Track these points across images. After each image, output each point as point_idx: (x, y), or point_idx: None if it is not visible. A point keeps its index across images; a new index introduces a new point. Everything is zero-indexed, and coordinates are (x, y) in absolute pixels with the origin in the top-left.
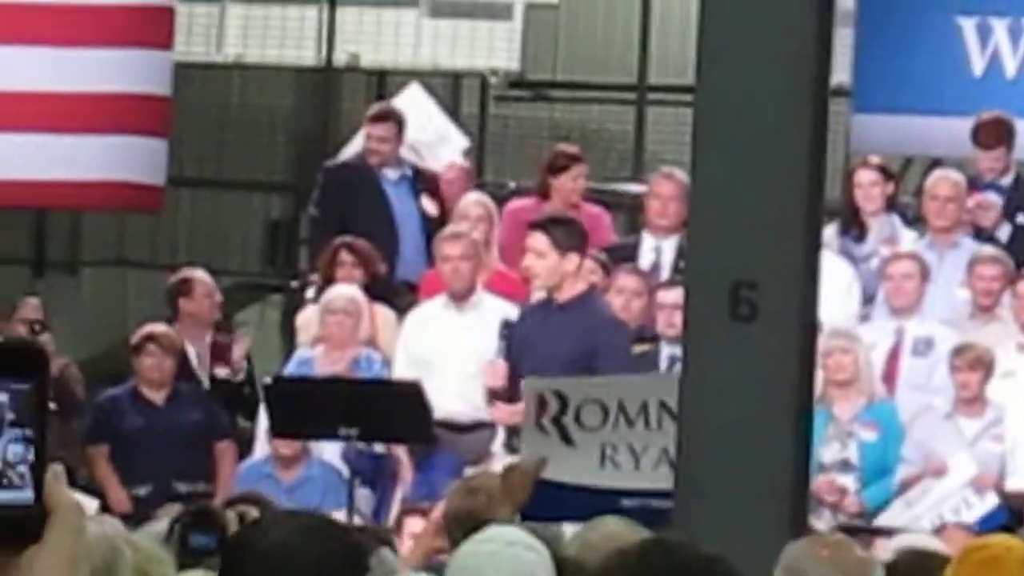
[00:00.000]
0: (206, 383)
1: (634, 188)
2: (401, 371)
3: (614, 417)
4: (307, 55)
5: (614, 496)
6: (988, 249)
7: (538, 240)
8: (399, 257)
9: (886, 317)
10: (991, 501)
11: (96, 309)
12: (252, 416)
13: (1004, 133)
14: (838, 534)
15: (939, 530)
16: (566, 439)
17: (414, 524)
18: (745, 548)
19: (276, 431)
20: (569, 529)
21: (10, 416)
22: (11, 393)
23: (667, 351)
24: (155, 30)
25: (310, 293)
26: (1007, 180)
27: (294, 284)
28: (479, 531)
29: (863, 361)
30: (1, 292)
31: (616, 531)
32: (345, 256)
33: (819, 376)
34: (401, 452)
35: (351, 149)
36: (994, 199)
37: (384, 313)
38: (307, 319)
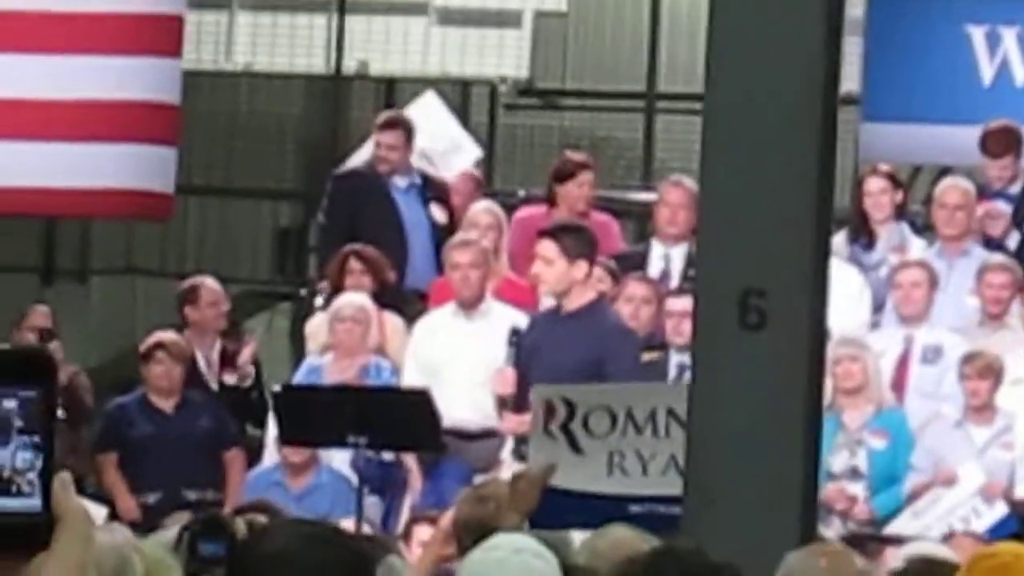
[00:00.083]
0: (215, 389)
1: (643, 196)
2: (410, 379)
3: (622, 424)
4: (316, 63)
5: (622, 502)
6: (997, 257)
7: (547, 247)
8: (408, 265)
9: (895, 325)
10: (1000, 510)
11: (105, 317)
12: (261, 423)
13: (1012, 141)
14: (837, 543)
15: (948, 538)
16: (574, 446)
17: (423, 532)
18: (754, 556)
19: (285, 439)
20: (578, 536)
21: (19, 423)
22: (19, 400)
23: (676, 359)
24: (164, 38)
25: (319, 301)
26: (1016, 188)
27: (303, 292)
28: (488, 539)
29: (872, 369)
30: (10, 300)
31: (624, 539)
32: (354, 264)
33: (828, 384)
34: (410, 460)
35: (359, 157)
36: (1003, 208)
37: (393, 321)
38: (316, 327)
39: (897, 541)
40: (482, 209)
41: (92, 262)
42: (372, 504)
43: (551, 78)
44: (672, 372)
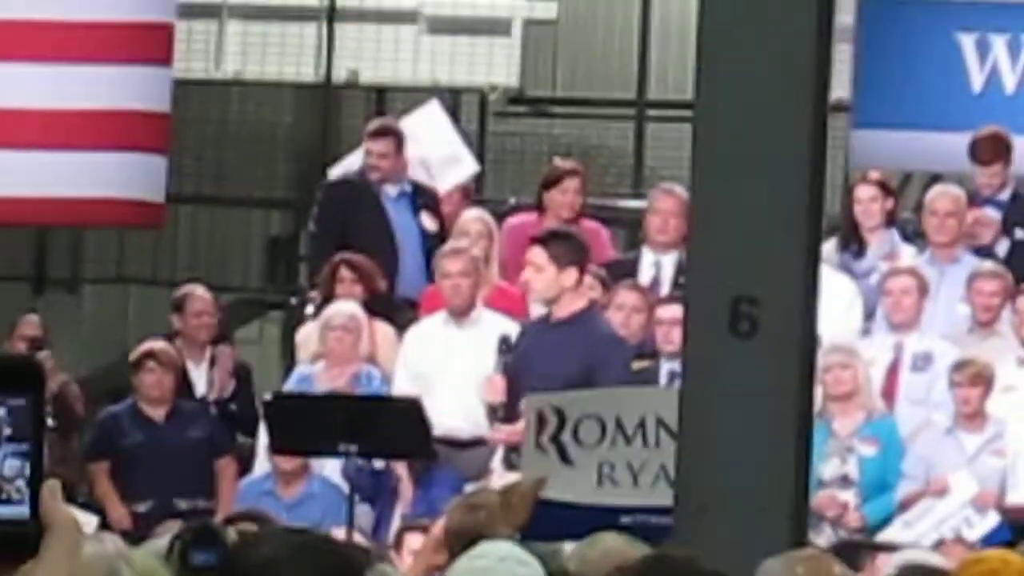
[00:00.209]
0: (204, 395)
1: (634, 204)
2: (401, 387)
3: (612, 434)
4: (306, 71)
5: (613, 513)
6: (988, 264)
7: (536, 254)
8: (399, 273)
9: (885, 332)
10: (993, 520)
11: (96, 326)
12: (246, 433)
13: (1001, 148)
14: (813, 550)
15: (939, 545)
16: (564, 458)
17: (414, 540)
18: (745, 564)
19: (276, 448)
20: (569, 548)
21: (7, 431)
22: (8, 408)
23: (667, 367)
24: (154, 47)
25: (310, 309)
26: (1005, 195)
27: (294, 300)
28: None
29: (862, 376)
30: (1, 309)
31: (615, 547)
32: (345, 272)
33: (818, 391)
34: (401, 468)
35: (348, 165)
36: (992, 215)
37: (384, 329)
38: (307, 335)
39: (889, 548)
40: (473, 217)
41: (83, 271)
42: (363, 513)
43: (541, 86)
44: (663, 380)
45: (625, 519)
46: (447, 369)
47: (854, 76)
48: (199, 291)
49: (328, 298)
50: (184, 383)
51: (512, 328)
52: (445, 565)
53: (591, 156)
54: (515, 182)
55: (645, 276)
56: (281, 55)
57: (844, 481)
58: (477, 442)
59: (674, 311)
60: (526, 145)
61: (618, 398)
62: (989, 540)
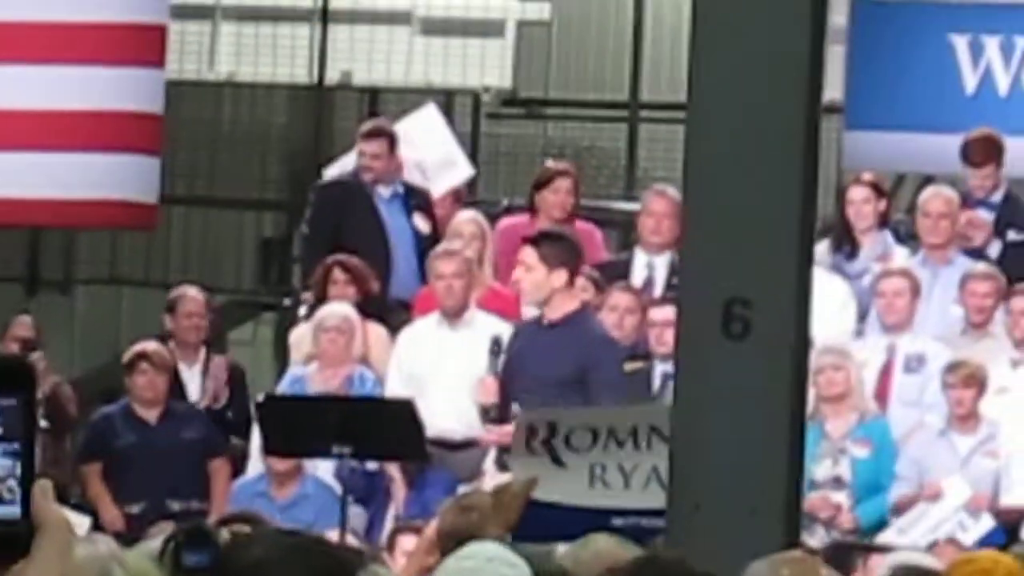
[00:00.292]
0: (198, 398)
1: (627, 205)
2: (394, 389)
3: (604, 440)
4: (299, 73)
5: (604, 515)
6: (981, 266)
7: (527, 254)
8: (392, 275)
9: (878, 334)
10: (987, 524)
11: (89, 327)
12: (245, 435)
13: (993, 150)
14: (799, 553)
15: (932, 547)
16: (556, 460)
17: (407, 542)
18: (738, 565)
19: (269, 449)
20: (561, 550)
21: None
22: None
23: (660, 368)
24: (147, 48)
25: (303, 311)
26: (997, 197)
27: (287, 302)
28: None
29: (855, 378)
30: None
31: (607, 548)
32: (338, 274)
33: (811, 393)
34: (394, 470)
35: (341, 166)
36: (984, 217)
37: (377, 331)
38: (300, 337)
39: (882, 550)
40: (466, 219)
41: (76, 272)
42: (356, 514)
43: (534, 87)
44: (657, 381)
45: (617, 521)
46: (440, 370)
47: (847, 77)
48: (191, 292)
49: (321, 299)
50: (176, 384)
51: (505, 329)
52: (438, 566)
53: (584, 157)
54: (508, 183)
55: (638, 277)
56: (274, 56)
57: (837, 483)
58: (470, 443)
59: (667, 313)
60: (519, 146)
61: (611, 414)
62: (983, 544)
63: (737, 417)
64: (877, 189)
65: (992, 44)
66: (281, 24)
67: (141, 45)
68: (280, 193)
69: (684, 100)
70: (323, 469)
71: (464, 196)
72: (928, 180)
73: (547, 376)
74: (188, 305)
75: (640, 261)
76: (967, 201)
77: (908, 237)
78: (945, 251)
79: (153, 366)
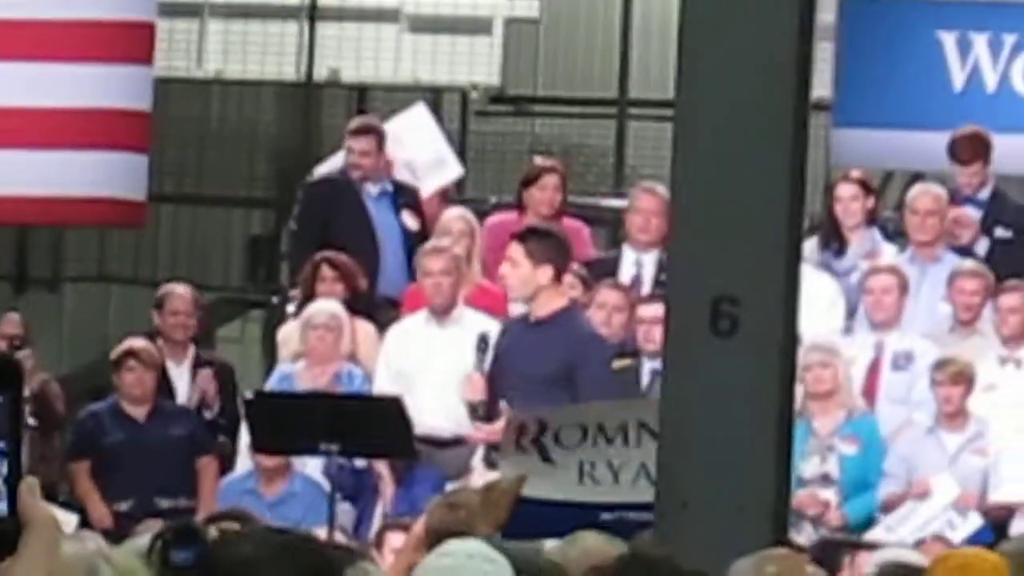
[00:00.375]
0: (186, 398)
1: (615, 203)
2: (382, 386)
3: (592, 437)
4: (287, 70)
5: (593, 510)
6: (968, 263)
7: (514, 250)
8: (380, 272)
9: (866, 331)
10: (975, 522)
11: (77, 325)
12: (234, 432)
13: (980, 148)
14: (785, 549)
15: (920, 544)
16: (545, 457)
17: (395, 539)
18: (726, 563)
19: (257, 447)
20: (550, 546)
21: None
22: None
23: (649, 365)
24: (135, 45)
25: (291, 308)
26: (984, 194)
27: (275, 299)
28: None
29: (843, 375)
30: None
31: (595, 546)
32: (326, 271)
33: (798, 390)
34: (382, 467)
35: (331, 165)
36: (972, 214)
37: (365, 328)
38: (288, 334)
39: (870, 547)
40: (455, 216)
41: (64, 270)
42: (344, 511)
43: (522, 85)
44: (646, 379)
45: (606, 516)
46: (428, 368)
47: (835, 75)
48: (178, 290)
49: (309, 297)
50: (164, 382)
51: (493, 327)
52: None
53: (572, 155)
54: (496, 181)
55: (626, 275)
56: (262, 54)
57: (825, 480)
58: (458, 441)
59: (656, 310)
60: (507, 144)
61: (601, 410)
62: (971, 542)
63: (725, 414)
64: (865, 186)
65: (980, 41)
66: (269, 21)
67: (129, 42)
68: (268, 191)
69: (672, 98)
70: (311, 466)
71: (452, 194)
72: (916, 177)
73: (534, 373)
74: (176, 303)
75: (628, 258)
76: (955, 198)
77: (896, 234)
78: (933, 248)
79: (141, 363)
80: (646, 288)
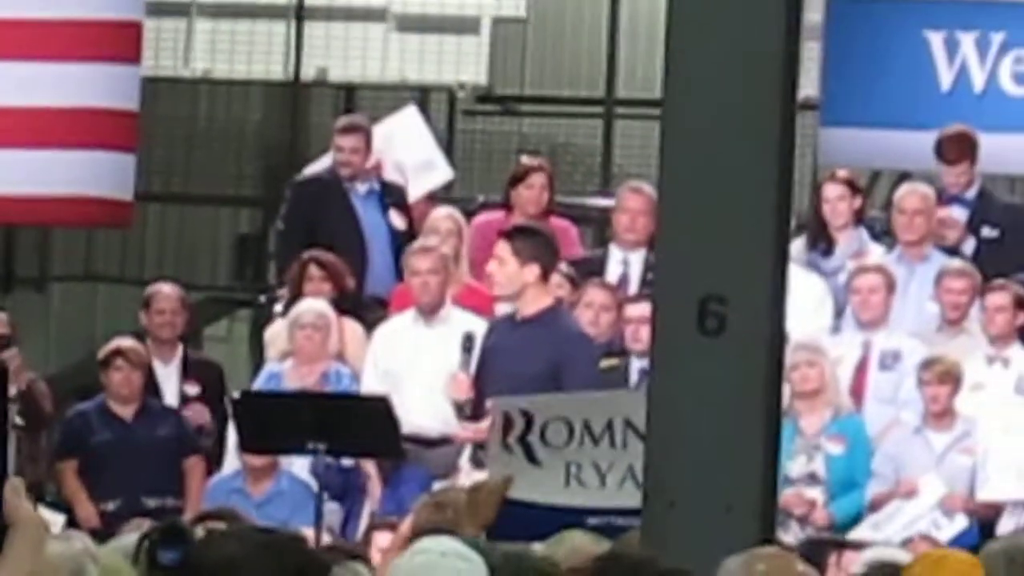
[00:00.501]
0: (174, 398)
1: (602, 202)
2: (370, 385)
3: (579, 435)
4: (275, 69)
5: (580, 514)
6: (956, 262)
7: (501, 248)
8: (368, 271)
9: (854, 330)
10: (961, 523)
11: (64, 324)
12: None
13: (967, 147)
14: (775, 548)
15: (907, 542)
16: (531, 458)
17: (383, 538)
18: (713, 563)
19: (244, 446)
20: (538, 548)
21: None
22: None
23: (636, 365)
24: (123, 45)
25: (279, 307)
26: (971, 193)
27: (262, 298)
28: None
29: (829, 374)
30: None
31: (582, 545)
32: (314, 270)
33: (785, 389)
34: (370, 466)
35: (320, 166)
36: (958, 215)
37: (353, 327)
38: (276, 333)
39: (856, 546)
40: (442, 215)
41: (51, 269)
42: (332, 511)
43: (510, 84)
44: (633, 378)
45: (592, 520)
46: (416, 367)
47: (822, 74)
48: (165, 289)
49: (297, 296)
50: (151, 382)
51: (480, 326)
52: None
53: (560, 154)
54: (483, 180)
55: (613, 274)
56: (250, 53)
57: (811, 479)
58: (446, 440)
59: (643, 309)
60: (495, 143)
61: (586, 403)
62: (957, 542)
63: (712, 414)
64: (852, 186)
65: (967, 40)
66: (257, 21)
67: (117, 42)
68: (255, 190)
69: (659, 97)
70: (299, 466)
71: (439, 193)
72: (904, 177)
73: (521, 372)
74: (163, 302)
75: (615, 257)
76: (941, 198)
77: (884, 234)
78: (921, 248)
79: (129, 363)
80: (633, 287)
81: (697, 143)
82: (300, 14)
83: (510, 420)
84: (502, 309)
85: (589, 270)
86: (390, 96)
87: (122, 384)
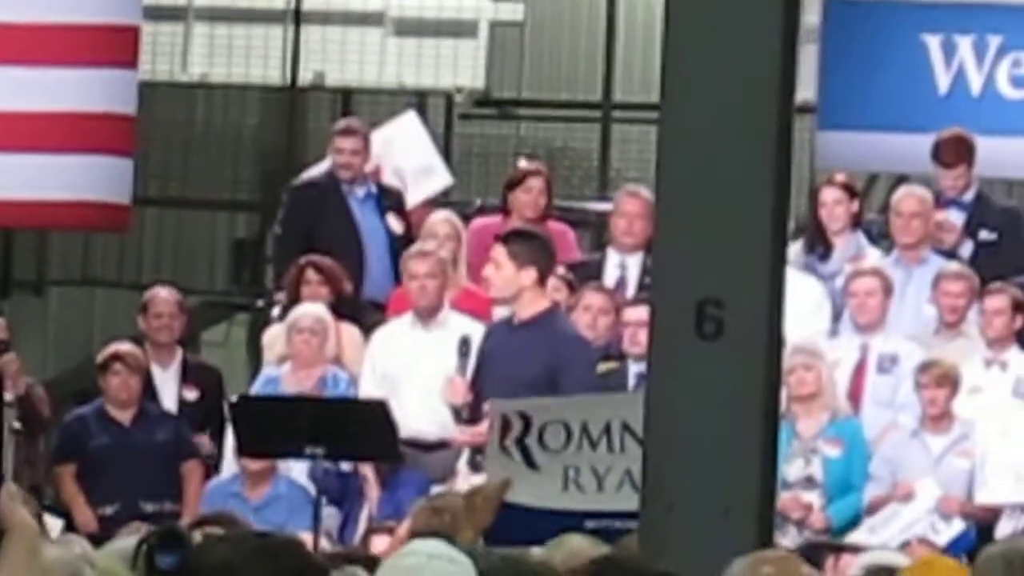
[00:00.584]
0: (173, 402)
1: (599, 206)
2: (367, 389)
3: (577, 439)
4: (272, 74)
5: (577, 518)
6: (954, 265)
7: (498, 251)
8: (366, 275)
9: (851, 334)
10: (957, 526)
11: (62, 328)
12: (220, 436)
13: (964, 150)
14: (781, 550)
15: (904, 546)
16: (529, 462)
17: (380, 542)
18: (711, 566)
19: (242, 450)
20: (536, 552)
21: None
22: None
23: (634, 368)
24: (120, 49)
25: (276, 311)
26: (969, 196)
27: (260, 303)
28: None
29: (826, 377)
30: None
31: (580, 548)
32: (311, 274)
33: (782, 393)
34: (368, 470)
35: (317, 170)
36: (955, 218)
37: (351, 331)
38: (273, 337)
39: (853, 549)
40: (440, 219)
41: (49, 273)
42: (330, 514)
43: (507, 88)
44: (631, 381)
45: (590, 524)
46: (414, 371)
47: (819, 77)
48: (162, 293)
49: (294, 300)
50: (149, 386)
51: (477, 330)
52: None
53: (557, 158)
54: (481, 184)
55: (610, 277)
56: (247, 57)
57: (808, 482)
58: (443, 444)
59: (641, 313)
60: (492, 147)
61: (584, 406)
62: (954, 545)
63: (710, 417)
64: (850, 190)
65: (965, 44)
66: (254, 25)
67: (114, 46)
68: (253, 194)
69: (657, 101)
70: (297, 470)
71: (436, 197)
72: (901, 180)
73: (518, 376)
74: (160, 306)
75: (612, 261)
76: (939, 201)
77: (881, 237)
78: (918, 251)
79: (127, 367)
80: (631, 291)
81: (695, 147)
82: (297, 18)
83: (508, 423)
84: (500, 313)
85: (587, 274)
86: (387, 100)
87: (120, 388)
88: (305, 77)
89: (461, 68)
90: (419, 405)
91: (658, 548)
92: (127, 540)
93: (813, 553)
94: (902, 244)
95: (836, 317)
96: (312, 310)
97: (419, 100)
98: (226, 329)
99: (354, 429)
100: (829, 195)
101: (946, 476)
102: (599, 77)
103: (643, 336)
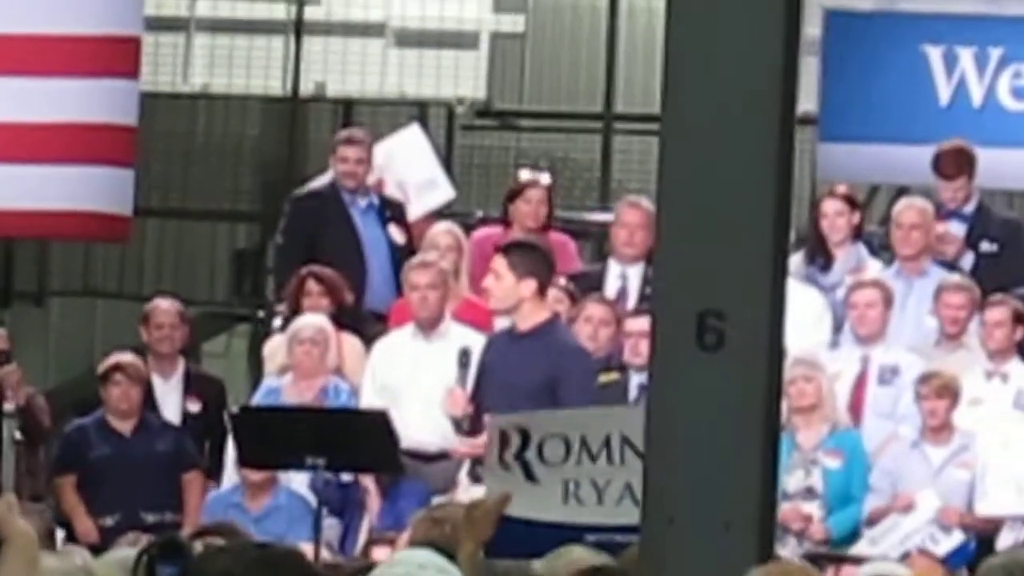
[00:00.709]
0: (176, 413)
1: (600, 217)
2: (369, 400)
3: (577, 452)
4: (273, 84)
5: (578, 531)
6: (955, 277)
7: (498, 262)
8: (367, 286)
9: (852, 345)
10: (957, 538)
11: (63, 339)
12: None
13: (965, 162)
14: (796, 562)
15: (905, 557)
16: (529, 475)
17: (381, 553)
18: None
19: (243, 461)
20: (536, 565)
21: None
22: None
23: (636, 380)
24: (121, 60)
25: (277, 322)
26: (969, 208)
27: (261, 313)
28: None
29: (826, 389)
30: None
31: (582, 558)
32: (312, 285)
33: (782, 404)
34: (368, 481)
35: (319, 181)
36: (956, 229)
37: (352, 342)
38: (274, 348)
39: (854, 561)
40: (442, 230)
41: (50, 284)
42: (330, 525)
43: (508, 99)
44: (633, 393)
45: (590, 537)
46: (415, 382)
47: (821, 89)
48: (163, 304)
49: (295, 311)
50: (149, 397)
51: (478, 341)
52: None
53: (558, 169)
54: (482, 195)
55: (611, 288)
56: (248, 68)
57: (809, 493)
58: (444, 455)
59: (642, 324)
60: (493, 158)
61: (583, 419)
62: (954, 556)
63: (711, 429)
64: (851, 202)
65: (966, 55)
66: (255, 36)
67: (115, 57)
68: (253, 205)
69: (658, 112)
70: (297, 481)
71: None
72: (902, 191)
73: (518, 387)
74: (161, 317)
75: (614, 272)
76: (939, 213)
77: (882, 248)
78: (919, 262)
79: (128, 378)
80: (632, 302)
81: (695, 158)
82: (299, 29)
83: (506, 437)
84: (501, 324)
85: (588, 285)
86: (388, 111)
87: (121, 399)
88: (306, 88)
89: (462, 79)
90: (420, 416)
91: (659, 562)
92: (127, 550)
93: (813, 565)
94: (903, 256)
95: (837, 329)
96: (313, 321)
97: (420, 111)
98: (227, 340)
99: (355, 440)
100: (830, 207)
101: (946, 487)
102: (600, 88)
103: (644, 347)
